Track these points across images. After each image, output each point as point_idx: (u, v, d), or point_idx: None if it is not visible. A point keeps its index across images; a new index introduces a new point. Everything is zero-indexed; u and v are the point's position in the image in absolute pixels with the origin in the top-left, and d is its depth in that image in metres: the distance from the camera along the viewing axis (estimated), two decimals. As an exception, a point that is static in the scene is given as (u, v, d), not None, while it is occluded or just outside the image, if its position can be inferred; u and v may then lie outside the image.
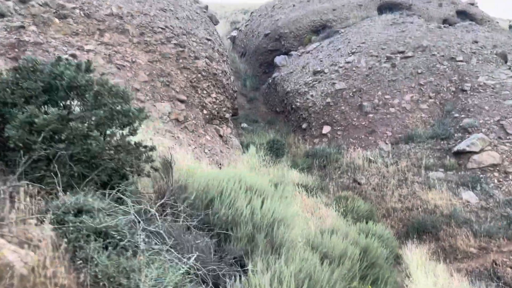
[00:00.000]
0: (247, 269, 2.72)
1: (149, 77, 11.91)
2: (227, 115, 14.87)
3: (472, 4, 28.88)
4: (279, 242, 3.27)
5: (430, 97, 15.54)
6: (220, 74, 14.43)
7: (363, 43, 18.59)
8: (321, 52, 20.40)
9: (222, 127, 14.48)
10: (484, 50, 17.40)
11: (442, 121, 14.70)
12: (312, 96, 17.91)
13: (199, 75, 13.43)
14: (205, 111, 13.46)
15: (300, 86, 18.96)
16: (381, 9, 23.76)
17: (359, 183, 13.55)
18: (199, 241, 2.68)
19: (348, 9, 23.21)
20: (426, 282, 5.66)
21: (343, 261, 4.38)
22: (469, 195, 11.74)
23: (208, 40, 14.44)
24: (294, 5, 24.95)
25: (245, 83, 26.09)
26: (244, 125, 19.53)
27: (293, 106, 18.96)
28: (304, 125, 18.08)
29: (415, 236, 10.61)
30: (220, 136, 14.05)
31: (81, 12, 11.33)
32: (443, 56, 16.57)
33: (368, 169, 14.00)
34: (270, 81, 22.31)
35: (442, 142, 13.99)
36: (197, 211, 3.22)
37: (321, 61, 19.43)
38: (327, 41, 21.14)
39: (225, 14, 43.19)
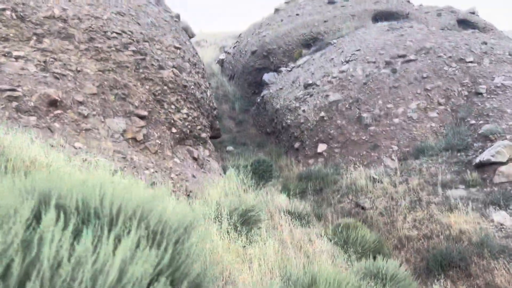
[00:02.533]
0: None
1: (99, 89, 9.81)
2: (204, 135, 12.68)
3: (473, 13, 27.19)
4: None
5: (440, 104, 13.35)
6: (192, 87, 12.35)
7: (358, 50, 16.60)
8: (312, 65, 18.42)
9: (197, 149, 12.26)
10: (496, 51, 15.35)
11: (456, 129, 12.44)
12: (304, 111, 15.76)
13: (165, 87, 11.33)
14: (174, 130, 11.27)
15: (290, 101, 16.87)
16: (376, 19, 21.98)
17: (362, 208, 11.16)
18: None
19: (340, 20, 21.42)
20: None
21: None
22: (501, 216, 9.34)
23: (177, 48, 12.43)
24: (282, 20, 23.25)
25: (233, 106, 24.11)
26: (230, 148, 17.33)
27: (284, 125, 16.79)
28: (296, 145, 15.85)
29: (438, 273, 8.15)
30: (194, 158, 11.80)
31: (13, 14, 9.36)
32: (450, 57, 14.50)
33: (373, 191, 11.65)
34: (259, 100, 20.27)
35: (459, 154, 11.68)
36: None
37: (312, 73, 17.41)
38: (319, 53, 19.21)
39: (215, 40, 41.82)
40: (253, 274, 4.19)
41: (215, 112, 14.79)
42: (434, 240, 8.99)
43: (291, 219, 9.06)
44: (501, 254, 8.21)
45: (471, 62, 14.21)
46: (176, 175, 10.17)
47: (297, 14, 23.21)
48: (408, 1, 26.16)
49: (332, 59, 17.33)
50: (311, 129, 15.28)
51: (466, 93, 13.35)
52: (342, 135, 14.18)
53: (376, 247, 8.60)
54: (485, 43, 16.06)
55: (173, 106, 11.41)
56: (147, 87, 10.92)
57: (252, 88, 23.31)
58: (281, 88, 18.53)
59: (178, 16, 14.93)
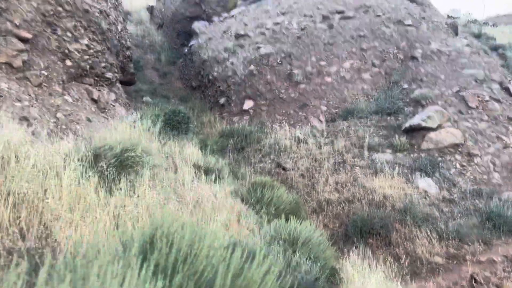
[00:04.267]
0: None
1: (-38, -5, 7.59)
2: (109, 75, 10.77)
3: (413, -13, 26.97)
4: None
5: (374, 65, 12.53)
6: (97, 15, 10.32)
7: (295, 3, 15.30)
8: (246, 16, 16.85)
9: (99, 90, 10.38)
10: (434, 18, 14.80)
11: (388, 93, 11.71)
12: (232, 63, 14.27)
13: (60, 8, 9.24)
14: (68, 62, 9.29)
15: (219, 52, 15.26)
16: (318, -23, 20.70)
17: (284, 168, 10.11)
18: None
19: (281, -27, 19.87)
20: None
21: None
22: (426, 183, 8.71)
23: (81, -35, 10.22)
24: (219, -34, 21.19)
25: (159, 57, 21.93)
26: (147, 99, 15.45)
27: (210, 78, 15.22)
28: (222, 101, 14.40)
29: (357, 240, 7.31)
30: (94, 100, 9.94)
31: None
32: (389, 18, 13.70)
33: (297, 151, 10.63)
34: (186, 51, 18.43)
35: (389, 117, 10.98)
36: None
37: (245, 24, 15.88)
38: (255, 5, 17.66)
39: (149, -11, 38.41)
40: (91, 229, 2.77)
41: (128, 53, 12.81)
42: (355, 205, 8.13)
43: (199, 174, 7.72)
44: (424, 222, 7.53)
45: (409, 25, 13.51)
46: (64, 115, 8.33)
47: (236, -37, 21.27)
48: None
49: (268, 10, 15.89)
50: (238, 83, 13.88)
51: (402, 56, 12.65)
52: (271, 92, 12.96)
53: (292, 209, 7.55)
54: (424, 11, 15.49)
55: (69, 34, 9.38)
56: (35, 4, 8.77)
57: (181, 39, 21.32)
58: (210, 38, 16.81)
59: None
